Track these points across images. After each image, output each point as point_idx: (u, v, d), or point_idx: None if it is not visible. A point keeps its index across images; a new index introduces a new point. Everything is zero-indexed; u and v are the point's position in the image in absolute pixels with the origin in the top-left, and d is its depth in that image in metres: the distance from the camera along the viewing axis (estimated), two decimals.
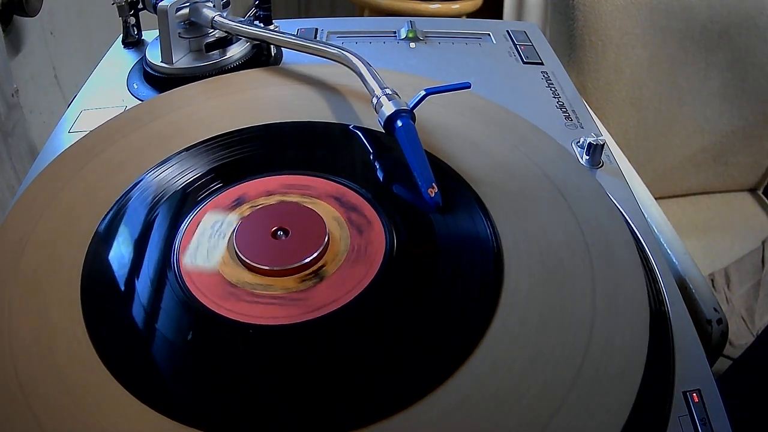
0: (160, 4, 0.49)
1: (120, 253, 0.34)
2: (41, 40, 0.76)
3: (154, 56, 0.52)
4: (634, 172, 0.54)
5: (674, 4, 0.84)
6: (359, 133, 0.43)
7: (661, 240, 0.46)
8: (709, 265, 0.86)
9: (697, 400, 0.30)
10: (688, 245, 0.47)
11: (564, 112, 0.50)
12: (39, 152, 0.46)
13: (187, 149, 0.41)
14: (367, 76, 0.43)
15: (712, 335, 0.41)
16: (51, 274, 0.33)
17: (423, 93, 0.41)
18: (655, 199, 0.52)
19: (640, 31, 0.84)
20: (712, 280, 0.84)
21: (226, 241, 0.34)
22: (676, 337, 0.33)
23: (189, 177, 0.39)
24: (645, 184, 0.54)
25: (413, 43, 0.59)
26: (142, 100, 0.50)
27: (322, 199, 0.37)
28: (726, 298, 0.82)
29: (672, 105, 0.90)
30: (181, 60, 0.51)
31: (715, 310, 0.42)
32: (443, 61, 0.57)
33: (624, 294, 0.31)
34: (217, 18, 0.50)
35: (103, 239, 0.35)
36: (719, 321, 0.42)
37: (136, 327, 0.31)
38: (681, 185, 0.98)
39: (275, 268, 0.33)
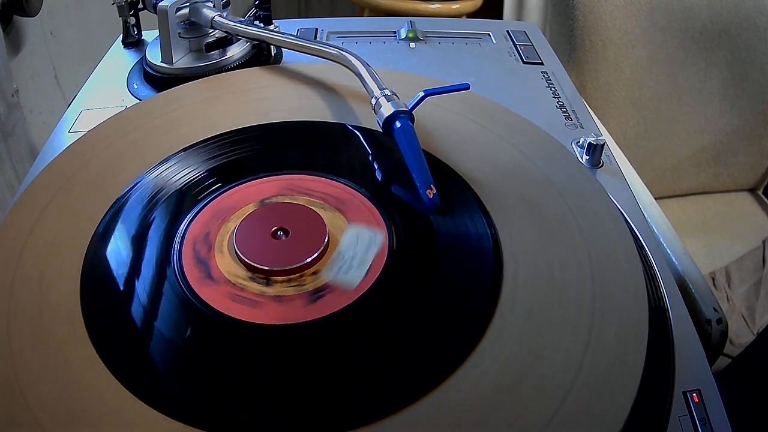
0: (160, 4, 0.49)
1: (120, 252, 0.34)
2: (41, 40, 0.76)
3: (154, 56, 0.52)
4: (634, 172, 0.54)
5: (674, 4, 0.84)
6: (359, 133, 0.43)
7: (661, 240, 0.46)
8: (709, 264, 0.86)
9: (697, 400, 0.30)
10: (688, 244, 0.47)
11: (564, 112, 0.50)
12: (39, 152, 0.46)
13: (186, 149, 0.41)
14: (366, 76, 0.43)
15: (711, 335, 0.41)
16: (51, 274, 0.33)
17: (422, 94, 0.41)
18: (655, 199, 0.52)
19: (640, 31, 0.84)
20: (713, 279, 0.84)
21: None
22: (676, 337, 0.33)
23: (188, 176, 0.39)
24: (645, 184, 0.54)
25: (413, 43, 0.59)
26: (142, 100, 0.50)
27: (323, 199, 0.37)
28: (727, 296, 0.82)
29: (672, 105, 0.90)
30: (181, 60, 0.51)
31: (715, 310, 0.42)
32: (443, 61, 0.57)
33: (623, 294, 0.31)
34: (217, 18, 0.50)
35: (104, 239, 0.35)
36: (719, 321, 0.42)
37: (137, 325, 0.31)
38: (681, 185, 0.98)
39: (275, 268, 0.33)
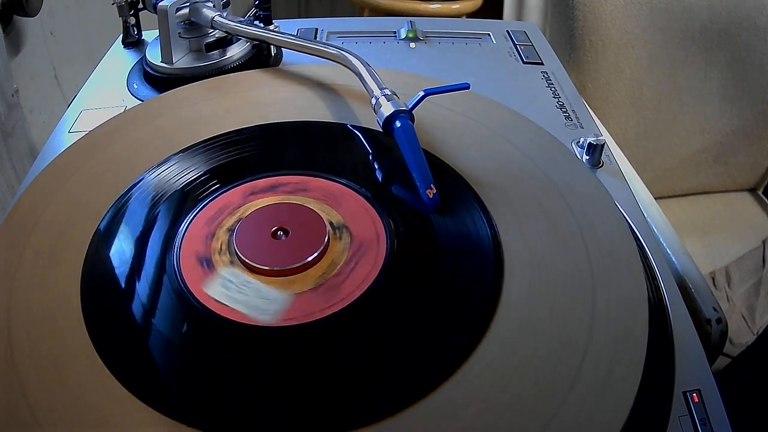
0: (160, 4, 0.49)
1: (120, 252, 0.34)
2: (41, 40, 0.76)
3: (154, 56, 0.52)
4: (634, 172, 0.54)
5: (674, 4, 0.84)
6: (359, 133, 0.43)
7: (661, 240, 0.46)
8: (709, 263, 0.86)
9: (697, 400, 0.30)
10: (688, 244, 0.47)
11: (564, 112, 0.50)
12: (39, 152, 0.46)
13: (186, 149, 0.41)
14: (366, 76, 0.43)
15: (711, 335, 0.41)
16: (51, 273, 0.33)
17: (422, 94, 0.41)
18: (656, 198, 0.52)
19: (639, 31, 0.84)
20: (713, 279, 0.84)
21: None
22: (676, 337, 0.33)
23: (189, 177, 0.39)
24: (645, 183, 0.54)
25: (413, 43, 0.59)
26: (142, 100, 0.50)
27: (322, 199, 0.37)
28: (727, 296, 0.82)
29: (672, 105, 0.90)
30: (181, 60, 0.51)
31: (715, 309, 0.42)
32: (443, 61, 0.57)
33: (624, 294, 0.31)
34: (217, 18, 0.50)
35: (104, 238, 0.35)
36: (719, 320, 0.41)
37: (136, 325, 0.31)
38: (681, 185, 0.98)
39: (275, 269, 0.33)
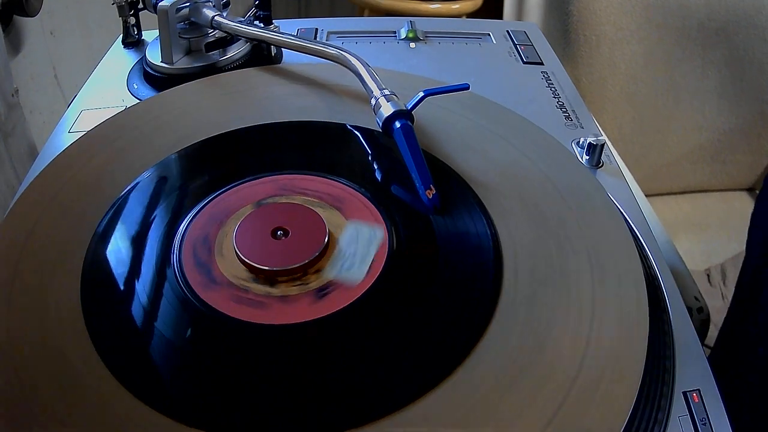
0: (160, 4, 0.49)
1: (121, 251, 0.34)
2: (41, 40, 0.76)
3: (154, 56, 0.52)
4: (625, 167, 0.53)
5: (671, 1, 0.84)
6: (358, 133, 0.43)
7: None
8: (705, 260, 0.86)
9: (697, 400, 0.30)
10: (684, 240, 0.47)
11: (564, 112, 0.50)
12: (39, 152, 0.46)
13: (186, 149, 0.41)
14: (366, 76, 0.43)
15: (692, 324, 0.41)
16: (51, 273, 0.33)
17: (421, 94, 0.41)
18: (652, 195, 0.52)
19: (635, 27, 0.85)
20: (708, 276, 0.84)
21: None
22: (675, 337, 0.33)
23: (188, 177, 0.39)
24: (641, 179, 0.54)
25: (413, 43, 0.59)
26: (141, 100, 0.50)
27: (322, 199, 0.37)
28: (722, 293, 0.82)
29: (668, 102, 0.90)
30: (181, 60, 0.51)
31: (696, 298, 0.41)
32: (443, 61, 0.57)
33: (623, 294, 0.32)
34: (217, 18, 0.50)
35: (104, 238, 0.35)
36: (700, 309, 0.41)
37: (137, 325, 0.31)
38: (678, 183, 0.98)
39: (275, 268, 0.33)
